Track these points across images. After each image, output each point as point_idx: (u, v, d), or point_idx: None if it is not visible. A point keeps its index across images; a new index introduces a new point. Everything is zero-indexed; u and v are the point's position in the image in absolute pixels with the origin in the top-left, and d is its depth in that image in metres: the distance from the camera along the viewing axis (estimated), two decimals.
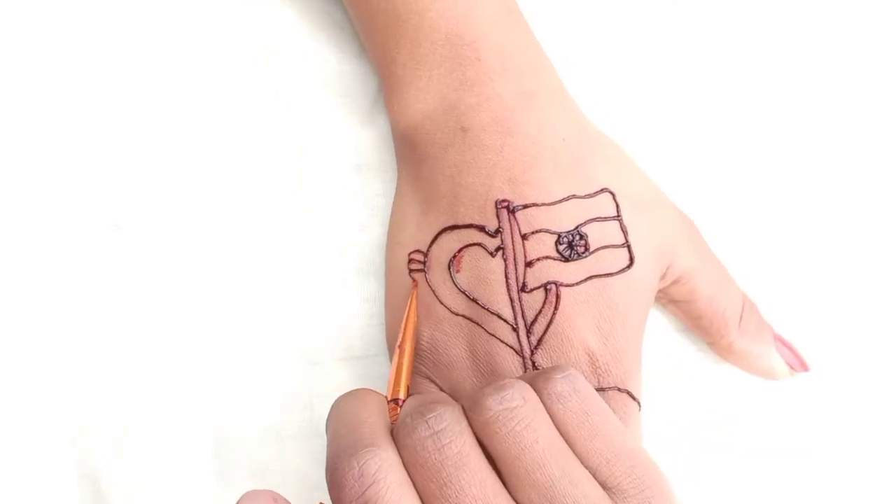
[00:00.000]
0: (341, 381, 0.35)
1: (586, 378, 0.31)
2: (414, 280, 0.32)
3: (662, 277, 0.33)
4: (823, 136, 0.37)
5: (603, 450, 0.26)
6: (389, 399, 0.29)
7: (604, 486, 0.26)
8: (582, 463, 0.26)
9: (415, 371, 0.33)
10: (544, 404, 0.27)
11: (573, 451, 0.26)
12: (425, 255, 0.32)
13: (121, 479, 0.34)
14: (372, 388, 0.34)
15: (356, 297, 0.36)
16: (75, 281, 0.35)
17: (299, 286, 0.36)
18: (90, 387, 0.35)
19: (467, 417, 0.27)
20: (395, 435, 0.26)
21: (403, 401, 0.29)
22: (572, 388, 0.27)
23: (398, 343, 0.31)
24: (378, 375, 0.35)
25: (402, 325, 0.31)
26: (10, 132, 0.36)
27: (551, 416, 0.27)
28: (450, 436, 0.25)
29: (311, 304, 0.35)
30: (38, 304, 0.35)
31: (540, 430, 0.26)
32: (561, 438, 0.26)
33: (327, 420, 0.28)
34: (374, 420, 0.27)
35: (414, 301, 0.32)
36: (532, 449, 0.26)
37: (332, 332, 0.35)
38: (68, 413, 0.35)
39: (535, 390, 0.27)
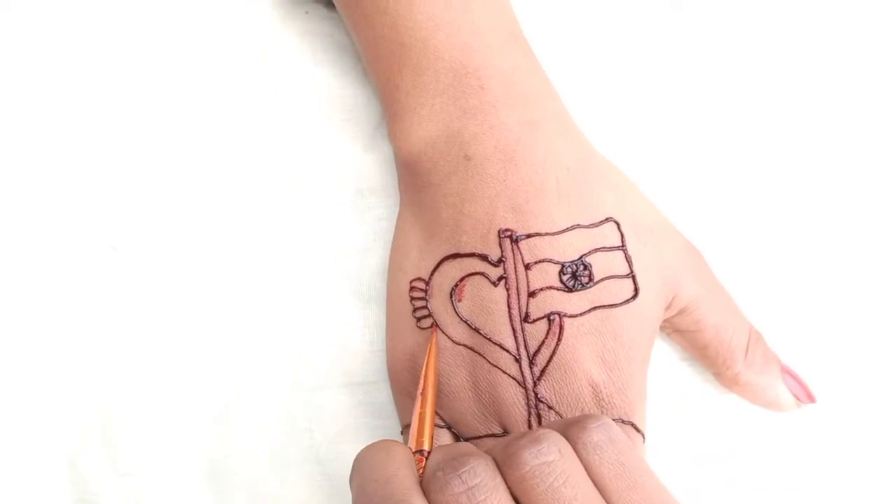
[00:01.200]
0: (341, 407, 0.35)
1: (590, 410, 0.31)
2: (432, 326, 0.31)
3: (668, 307, 0.33)
4: (832, 164, 0.37)
5: (640, 502, 0.26)
6: (414, 450, 0.28)
7: None
8: None
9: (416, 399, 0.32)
10: (579, 455, 0.26)
11: (609, 503, 0.26)
12: (427, 282, 0.32)
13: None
14: (371, 415, 0.34)
15: (357, 323, 0.35)
16: (72, 303, 0.35)
17: (298, 310, 0.35)
18: (86, 409, 0.34)
19: (500, 470, 0.26)
20: (426, 489, 0.25)
21: (429, 452, 0.28)
22: (608, 437, 0.26)
23: (420, 390, 0.30)
24: (378, 403, 0.35)
25: (423, 372, 0.30)
26: (8, 153, 0.36)
27: (586, 467, 0.26)
28: (485, 492, 0.24)
29: (311, 328, 0.35)
30: (36, 326, 0.35)
31: (578, 486, 0.25)
32: (597, 492, 0.26)
33: (352, 473, 0.27)
34: (404, 474, 0.26)
35: (433, 347, 0.31)
36: None
37: (332, 357, 0.35)
38: (64, 435, 0.34)
39: (569, 440, 0.26)
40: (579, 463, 0.26)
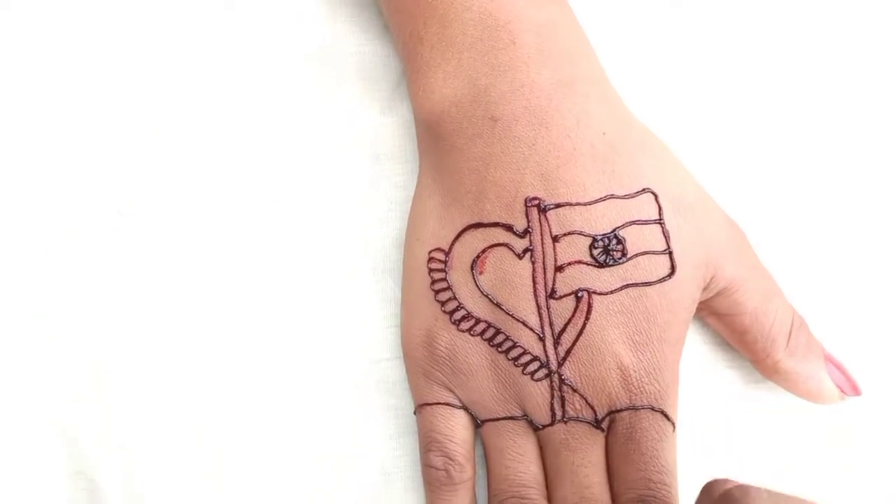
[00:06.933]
0: (354, 384, 0.33)
1: (618, 395, 0.30)
2: None
3: (705, 288, 0.31)
4: (876, 142, 0.35)
5: None
6: None
7: None
8: None
9: (431, 378, 0.31)
10: None
11: None
12: (447, 253, 0.31)
13: (114, 477, 0.33)
14: (385, 393, 0.33)
15: (372, 297, 0.34)
16: (73, 275, 0.34)
17: (311, 283, 0.34)
18: (84, 383, 0.33)
19: None
20: None
21: None
22: None
23: None
24: (394, 381, 0.33)
25: None
26: (17, 119, 0.35)
27: None
28: None
29: (324, 302, 0.34)
30: (33, 297, 0.34)
31: None
32: None
33: None
34: None
35: None
36: None
37: (346, 332, 0.34)
38: (60, 408, 0.33)
39: None
40: None
